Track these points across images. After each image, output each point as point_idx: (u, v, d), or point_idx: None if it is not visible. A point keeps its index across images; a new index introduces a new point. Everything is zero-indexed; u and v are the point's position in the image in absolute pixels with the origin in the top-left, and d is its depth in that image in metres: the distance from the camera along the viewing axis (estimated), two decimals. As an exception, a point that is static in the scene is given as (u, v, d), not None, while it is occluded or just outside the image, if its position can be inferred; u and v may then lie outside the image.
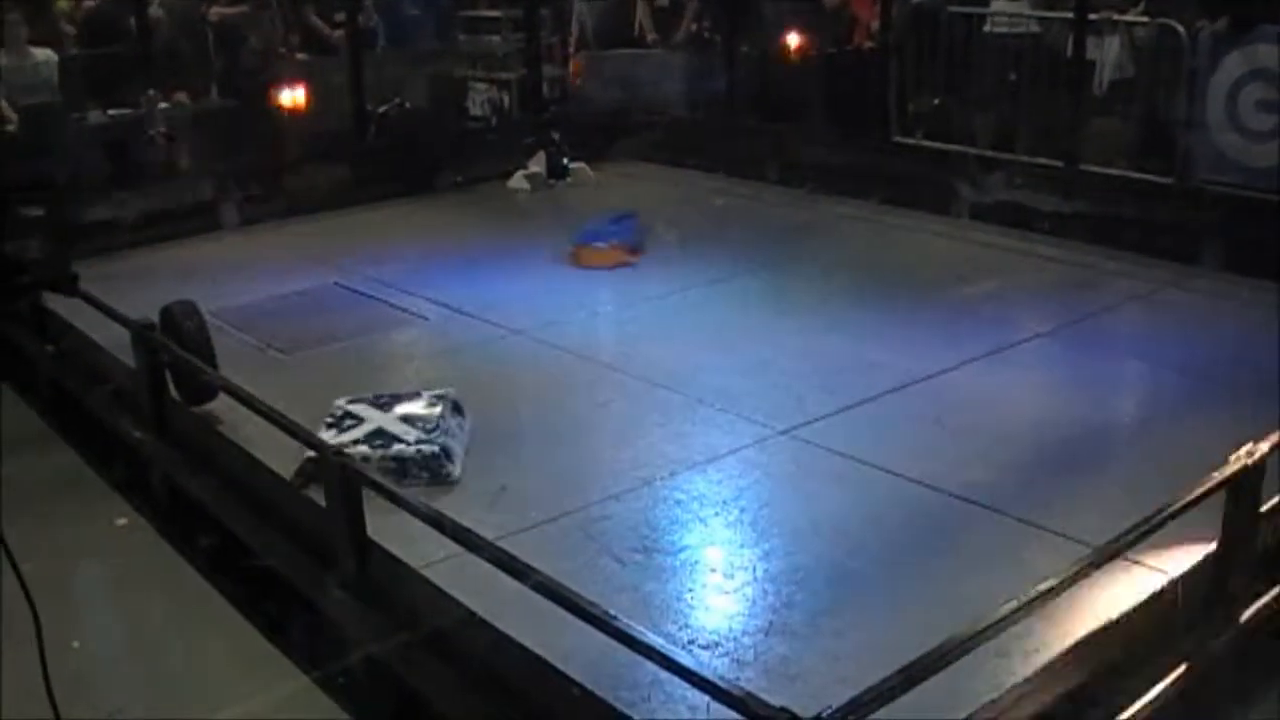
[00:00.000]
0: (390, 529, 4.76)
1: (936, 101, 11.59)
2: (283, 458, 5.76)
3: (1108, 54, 10.66)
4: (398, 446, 6.20)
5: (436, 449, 6.20)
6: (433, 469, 6.15)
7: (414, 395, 6.76)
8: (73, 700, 3.31)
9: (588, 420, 6.84)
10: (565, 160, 12.54)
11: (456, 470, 6.22)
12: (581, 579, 4.80)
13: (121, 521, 6.27)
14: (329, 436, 6.04)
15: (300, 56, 13.27)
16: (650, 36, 14.74)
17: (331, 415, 6.49)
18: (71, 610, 5.30)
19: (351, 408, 6.59)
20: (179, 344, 6.56)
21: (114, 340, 6.83)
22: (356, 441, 6.18)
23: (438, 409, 6.52)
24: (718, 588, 5.17)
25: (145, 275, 9.41)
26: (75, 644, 5.08)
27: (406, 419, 6.43)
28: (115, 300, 6.87)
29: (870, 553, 5.37)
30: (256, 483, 5.60)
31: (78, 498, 6.44)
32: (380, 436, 6.29)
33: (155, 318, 6.67)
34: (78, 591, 5.59)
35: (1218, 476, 4.36)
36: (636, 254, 9.87)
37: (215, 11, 12.91)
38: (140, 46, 11.78)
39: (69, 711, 3.24)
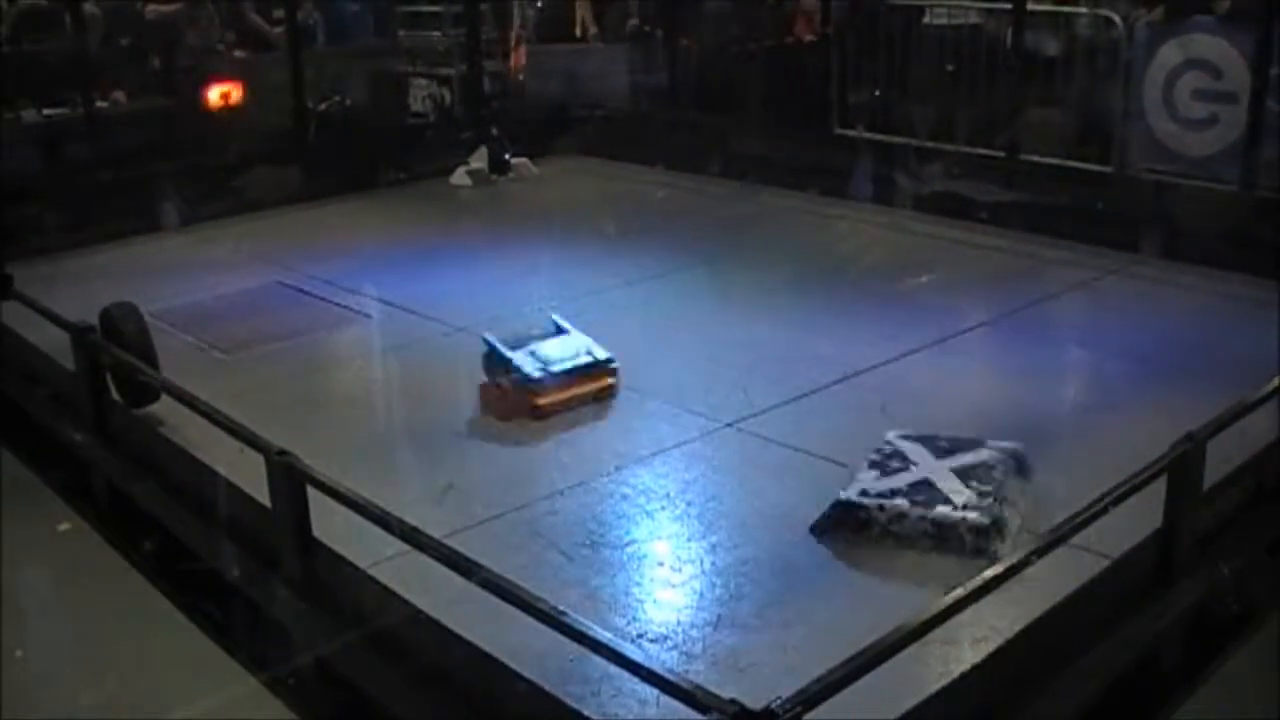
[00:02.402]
0: (337, 527, 4.73)
1: (877, 93, 11.62)
2: (226, 459, 5.70)
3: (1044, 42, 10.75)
4: (941, 509, 5.33)
5: (987, 521, 5.25)
6: (979, 545, 5.20)
7: (976, 443, 5.84)
8: (18, 706, 3.28)
9: (533, 416, 6.82)
10: (507, 155, 12.53)
11: (1005, 548, 5.14)
12: (529, 575, 4.81)
13: (64, 526, 6.20)
14: (869, 479, 5.58)
15: (238, 54, 13.16)
16: (590, 30, 14.73)
17: (879, 451, 5.81)
18: (15, 617, 5.25)
19: (902, 445, 5.83)
20: (119, 346, 6.49)
21: (53, 343, 6.75)
22: (895, 492, 5.46)
23: (999, 468, 5.64)
24: (665, 581, 5.17)
25: (84, 277, 9.31)
26: (19, 653, 5.04)
27: (962, 473, 5.57)
28: (53, 302, 6.80)
29: (817, 543, 5.38)
30: (200, 485, 5.55)
31: (19, 503, 6.36)
32: (924, 490, 5.46)
33: (95, 320, 6.60)
34: (20, 598, 5.53)
35: (1159, 462, 4.41)
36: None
37: (151, 9, 12.79)
38: (76, 45, 11.65)
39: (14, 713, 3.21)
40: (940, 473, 5.58)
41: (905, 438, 5.92)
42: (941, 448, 5.79)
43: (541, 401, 6.71)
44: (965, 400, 6.87)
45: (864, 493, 5.47)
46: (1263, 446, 5.29)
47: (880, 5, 11.42)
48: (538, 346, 6.89)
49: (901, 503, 5.37)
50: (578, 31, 14.91)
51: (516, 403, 6.73)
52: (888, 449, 5.82)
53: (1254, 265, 8.45)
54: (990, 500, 5.34)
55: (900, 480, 5.56)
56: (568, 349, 6.94)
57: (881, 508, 5.36)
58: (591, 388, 6.90)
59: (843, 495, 5.46)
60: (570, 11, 14.91)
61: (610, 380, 6.99)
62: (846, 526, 5.40)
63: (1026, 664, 4.04)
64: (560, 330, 7.14)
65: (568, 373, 6.81)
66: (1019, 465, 5.74)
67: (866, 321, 8.07)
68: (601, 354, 6.98)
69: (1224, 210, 9.02)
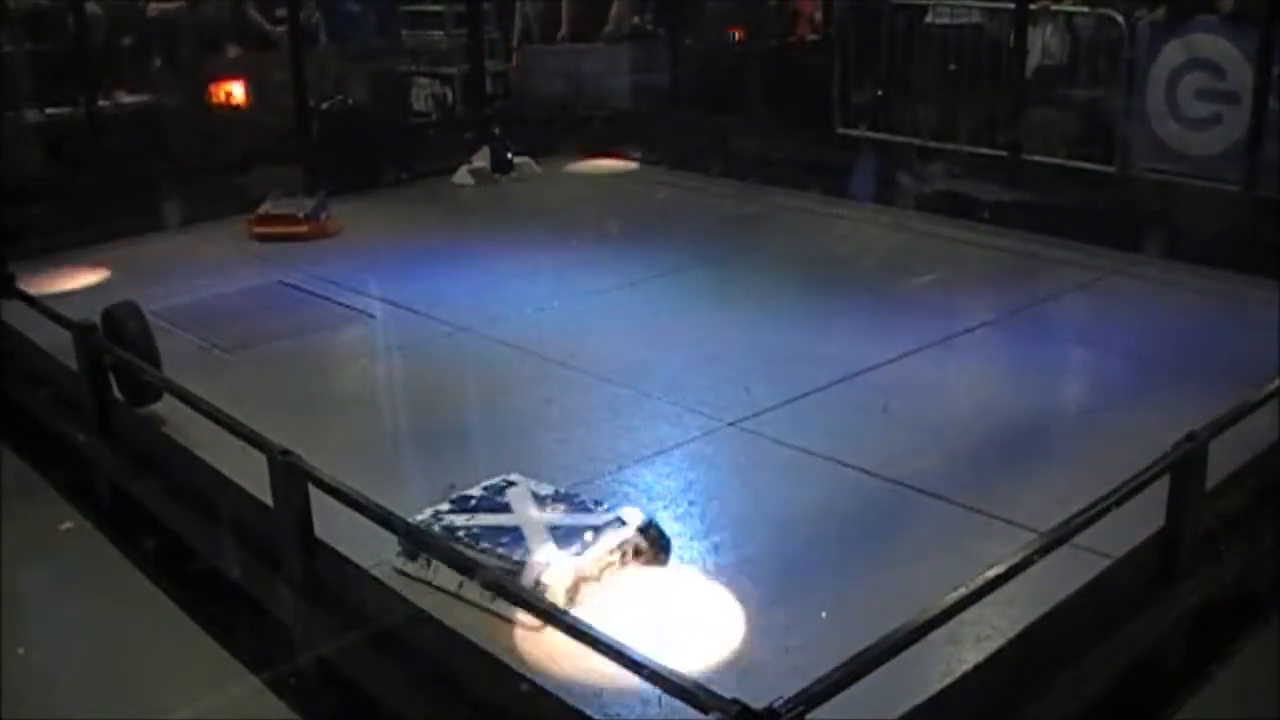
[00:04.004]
0: (339, 527, 4.73)
1: (879, 93, 11.62)
2: (228, 458, 5.69)
3: (1045, 41, 10.75)
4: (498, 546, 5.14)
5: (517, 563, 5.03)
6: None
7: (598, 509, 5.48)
8: (20, 705, 3.27)
9: (535, 416, 6.82)
10: (509, 155, 12.52)
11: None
12: (531, 575, 4.81)
13: (66, 525, 6.20)
14: (448, 512, 5.41)
15: (233, 53, 13.13)
16: (560, 34, 14.73)
17: (487, 487, 5.63)
18: (16, 616, 5.25)
19: (512, 493, 5.59)
20: (121, 345, 6.49)
21: (55, 342, 6.75)
22: (467, 531, 5.27)
23: (603, 537, 5.21)
24: (665, 580, 5.17)
25: (86, 276, 9.32)
26: (21, 651, 5.04)
27: (555, 528, 5.29)
28: (55, 301, 6.81)
29: (820, 543, 5.38)
30: (202, 484, 5.55)
31: (21, 503, 6.36)
32: (502, 534, 5.25)
33: (97, 319, 6.60)
34: (21, 597, 5.53)
35: (1162, 462, 4.41)
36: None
37: (154, 7, 12.80)
38: (78, 43, 11.66)
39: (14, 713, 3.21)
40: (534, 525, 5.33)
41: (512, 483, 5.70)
42: (551, 501, 5.53)
43: (256, 230, 10.64)
44: (967, 399, 6.87)
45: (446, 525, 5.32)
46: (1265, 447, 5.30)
47: (882, 5, 11.42)
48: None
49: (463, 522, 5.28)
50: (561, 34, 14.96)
51: (248, 227, 10.71)
52: (500, 483, 5.66)
53: (1256, 265, 8.44)
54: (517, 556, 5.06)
55: (478, 521, 5.35)
56: (294, 208, 10.79)
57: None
58: (285, 230, 10.56)
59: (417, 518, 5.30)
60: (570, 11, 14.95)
61: (302, 229, 10.58)
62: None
63: (1027, 664, 4.03)
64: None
65: (274, 218, 10.69)
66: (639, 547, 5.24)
67: (868, 321, 8.06)
68: (302, 214, 10.70)
69: (1227, 210, 9.02)
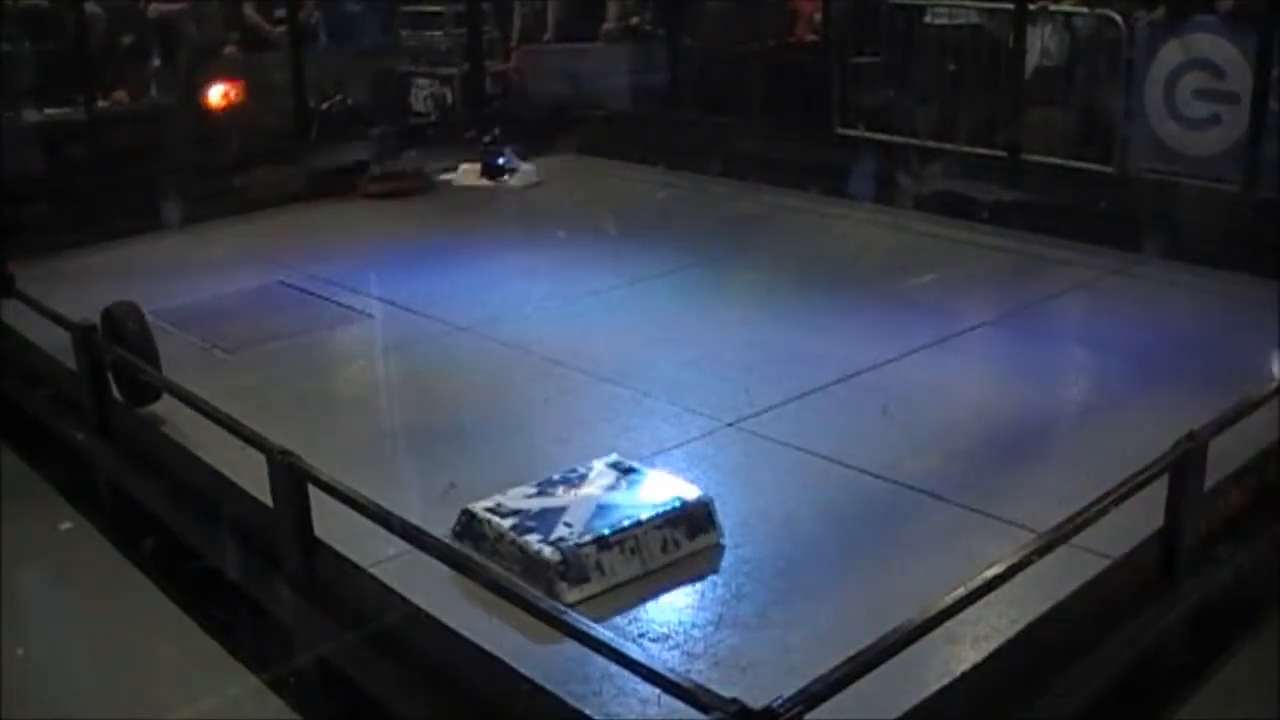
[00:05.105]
0: (339, 527, 4.73)
1: (878, 93, 11.61)
2: (227, 458, 5.69)
3: (1044, 42, 10.75)
4: (529, 538, 5.16)
5: (556, 559, 5.03)
6: (550, 578, 4.99)
7: (660, 486, 5.57)
8: (19, 706, 3.28)
9: (534, 415, 6.82)
10: (502, 160, 12.49)
11: (577, 592, 4.98)
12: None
13: (66, 525, 6.20)
14: (518, 494, 5.47)
15: (229, 50, 13.11)
16: (546, 35, 14.72)
17: (571, 471, 5.66)
18: (16, 616, 5.25)
19: (595, 471, 5.65)
20: (121, 345, 6.49)
21: (54, 342, 6.75)
22: (519, 512, 5.33)
23: (647, 512, 5.29)
24: (666, 580, 5.17)
25: (86, 276, 9.31)
26: (20, 651, 5.04)
27: (605, 508, 5.33)
28: (55, 301, 6.80)
29: (819, 543, 5.38)
30: (201, 484, 5.55)
31: (21, 502, 6.36)
32: (544, 517, 5.28)
33: (96, 319, 6.60)
34: (21, 597, 5.53)
35: (1161, 461, 4.41)
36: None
37: (154, 8, 12.80)
38: (77, 44, 11.66)
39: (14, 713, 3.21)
40: (583, 503, 5.37)
41: (613, 465, 5.73)
42: (620, 483, 5.56)
43: (371, 188, 11.92)
44: (967, 399, 6.87)
45: (494, 507, 5.38)
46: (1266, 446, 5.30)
47: (881, 5, 11.42)
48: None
49: (505, 523, 5.25)
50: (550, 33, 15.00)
51: (361, 185, 11.97)
52: (580, 471, 5.67)
53: (1256, 265, 8.43)
54: (582, 540, 5.08)
55: (541, 503, 5.40)
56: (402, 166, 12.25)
57: (491, 524, 5.29)
58: (399, 185, 11.98)
59: (471, 505, 5.43)
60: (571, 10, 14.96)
61: (414, 183, 12.13)
62: (469, 537, 5.32)
63: (1027, 664, 4.04)
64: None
65: (388, 176, 12.05)
66: (683, 518, 5.34)
67: (868, 321, 8.06)
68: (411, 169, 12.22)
69: (1226, 210, 9.02)
